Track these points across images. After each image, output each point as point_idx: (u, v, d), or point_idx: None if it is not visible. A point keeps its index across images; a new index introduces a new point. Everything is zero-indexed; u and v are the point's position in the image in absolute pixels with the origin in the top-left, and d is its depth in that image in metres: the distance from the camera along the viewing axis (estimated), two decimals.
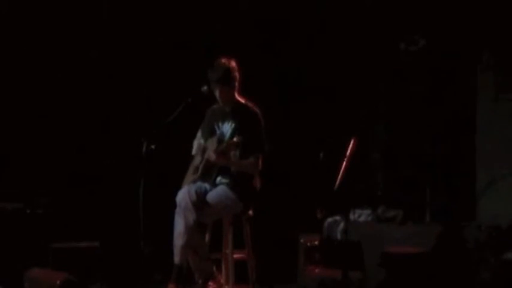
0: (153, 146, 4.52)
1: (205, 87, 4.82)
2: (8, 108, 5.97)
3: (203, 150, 4.89)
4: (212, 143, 4.78)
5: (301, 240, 5.87)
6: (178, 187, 4.84)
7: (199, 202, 4.65)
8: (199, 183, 4.79)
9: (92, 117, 6.18)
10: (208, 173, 4.82)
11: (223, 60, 4.83)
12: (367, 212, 6.22)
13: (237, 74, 4.85)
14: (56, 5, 6.06)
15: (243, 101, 4.90)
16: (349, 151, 4.68)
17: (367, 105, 6.85)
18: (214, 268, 4.79)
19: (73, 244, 5.45)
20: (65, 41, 6.10)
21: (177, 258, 4.68)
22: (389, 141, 6.82)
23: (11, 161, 5.91)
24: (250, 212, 4.89)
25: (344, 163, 4.65)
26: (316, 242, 5.84)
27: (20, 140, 5.96)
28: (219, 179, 4.85)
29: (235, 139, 4.65)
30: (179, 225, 4.65)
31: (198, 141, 5.04)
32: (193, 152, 5.03)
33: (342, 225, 5.87)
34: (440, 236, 5.60)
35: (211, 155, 4.70)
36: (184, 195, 4.67)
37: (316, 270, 5.61)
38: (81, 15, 6.13)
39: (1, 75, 5.97)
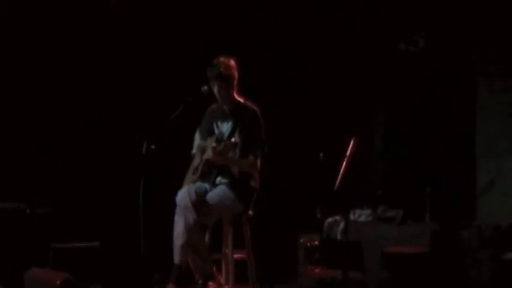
0: (153, 146, 4.51)
1: (205, 87, 4.82)
2: (8, 109, 5.97)
3: (202, 150, 4.89)
4: (211, 143, 4.77)
5: (301, 240, 5.88)
6: (178, 187, 4.84)
7: (199, 202, 4.64)
8: (199, 184, 4.79)
9: (92, 117, 6.18)
10: (207, 173, 4.81)
11: (222, 58, 4.83)
12: (367, 212, 6.22)
13: (235, 73, 4.85)
14: (56, 3, 6.06)
15: (241, 100, 4.90)
16: (349, 151, 4.68)
17: (367, 106, 6.85)
18: (214, 268, 4.78)
19: (73, 244, 5.45)
20: (66, 41, 6.10)
21: (177, 258, 4.68)
22: (389, 141, 6.83)
23: (11, 161, 5.91)
24: (250, 212, 4.88)
25: (344, 163, 4.65)
26: (316, 242, 5.84)
27: (20, 140, 5.96)
28: (218, 179, 4.84)
29: (233, 139, 4.64)
30: (179, 225, 4.65)
31: (197, 142, 5.03)
32: (193, 151, 5.02)
33: (342, 225, 5.88)
34: (440, 236, 5.60)
35: (209, 154, 4.69)
36: (184, 195, 4.67)
37: (316, 270, 5.62)
38: (82, 14, 6.13)
39: (1, 74, 5.97)
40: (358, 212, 6.23)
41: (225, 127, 4.88)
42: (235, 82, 4.87)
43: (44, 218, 5.57)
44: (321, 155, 5.47)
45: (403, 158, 6.61)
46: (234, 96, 4.89)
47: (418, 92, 6.52)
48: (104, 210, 6.03)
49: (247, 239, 4.87)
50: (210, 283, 4.72)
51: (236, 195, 4.76)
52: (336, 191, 4.62)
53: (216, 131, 4.91)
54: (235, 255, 4.79)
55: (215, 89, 4.81)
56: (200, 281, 4.72)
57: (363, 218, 6.20)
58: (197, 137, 5.04)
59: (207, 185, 4.81)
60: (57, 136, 6.07)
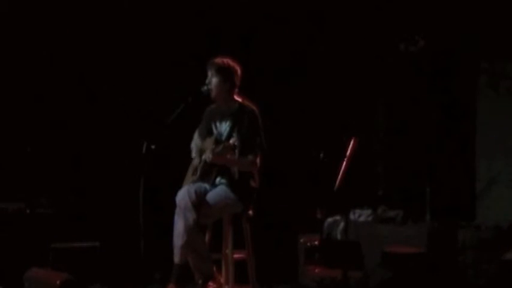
0: (153, 146, 4.51)
1: (205, 87, 4.82)
2: (8, 108, 5.97)
3: (201, 150, 4.89)
4: (210, 144, 4.77)
5: (301, 240, 5.87)
6: (178, 187, 4.84)
7: (199, 202, 4.64)
8: (199, 184, 4.79)
9: (92, 117, 6.18)
10: (207, 173, 4.81)
11: (229, 59, 4.84)
12: (367, 212, 6.22)
13: (236, 77, 4.84)
14: (56, 4, 6.07)
15: (240, 99, 4.90)
16: (349, 151, 4.68)
17: (367, 105, 6.85)
18: (214, 268, 4.78)
19: (73, 244, 5.45)
20: (66, 41, 6.10)
21: (177, 258, 4.68)
22: (389, 141, 6.83)
23: (11, 161, 5.91)
24: (250, 212, 4.88)
25: (344, 163, 4.65)
26: (316, 242, 5.84)
27: (20, 140, 5.96)
28: (218, 179, 4.84)
29: (231, 141, 4.64)
30: (179, 225, 4.65)
31: (195, 143, 5.02)
32: (193, 154, 5.01)
33: (342, 225, 5.88)
34: (438, 236, 5.60)
35: (208, 156, 4.70)
36: (184, 196, 4.66)
37: (316, 270, 5.62)
38: (82, 14, 6.13)
39: (2, 74, 5.97)
40: (358, 212, 6.23)
41: (224, 127, 4.88)
42: (234, 86, 4.84)
43: (44, 218, 5.57)
44: (321, 155, 5.46)
45: (404, 158, 6.62)
46: (232, 96, 4.89)
47: (418, 91, 6.51)
48: (104, 210, 6.04)
49: (247, 239, 4.87)
50: (210, 283, 4.72)
51: (236, 195, 4.77)
52: (336, 191, 4.62)
53: (215, 130, 4.91)
54: (235, 255, 4.79)
55: (212, 83, 4.79)
56: (200, 281, 4.72)
57: (363, 218, 6.19)
58: (196, 137, 5.04)
59: (207, 185, 4.81)
60: (58, 136, 6.07)
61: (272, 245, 6.02)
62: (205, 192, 4.75)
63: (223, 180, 4.83)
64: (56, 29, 6.06)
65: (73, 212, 5.90)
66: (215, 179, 4.84)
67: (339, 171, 4.64)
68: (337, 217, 6.06)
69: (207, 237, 4.86)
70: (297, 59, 6.67)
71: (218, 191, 4.78)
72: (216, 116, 4.94)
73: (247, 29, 6.51)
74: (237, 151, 4.69)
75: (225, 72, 4.80)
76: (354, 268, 5.23)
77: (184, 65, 6.17)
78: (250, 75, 5.01)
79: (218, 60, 4.83)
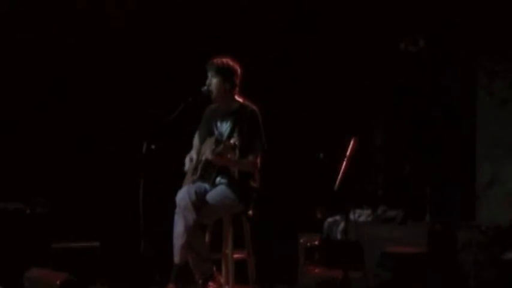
0: (153, 146, 4.51)
1: (205, 87, 4.82)
2: (7, 108, 5.97)
3: (201, 150, 4.89)
4: (210, 143, 4.78)
5: (301, 240, 5.88)
6: (178, 187, 4.84)
7: (199, 202, 4.65)
8: (199, 184, 4.79)
9: (92, 117, 6.18)
10: (207, 173, 4.81)
11: (229, 59, 4.84)
12: (367, 212, 6.23)
13: (237, 78, 4.85)
14: (56, 3, 6.07)
15: (241, 100, 4.90)
16: (349, 151, 4.69)
17: (367, 105, 6.86)
18: (214, 268, 4.78)
19: (73, 244, 5.45)
20: (66, 39, 6.10)
21: (177, 258, 4.68)
22: (389, 141, 6.83)
23: (11, 161, 5.91)
24: (250, 212, 4.88)
25: (344, 163, 4.66)
26: (316, 242, 5.84)
27: (20, 140, 5.96)
28: (218, 179, 4.84)
29: (232, 141, 4.64)
30: (179, 225, 4.65)
31: (196, 142, 5.02)
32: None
33: (342, 225, 5.88)
34: (438, 236, 5.60)
35: (208, 155, 4.70)
36: (184, 195, 4.67)
37: (316, 270, 5.62)
38: (83, 14, 6.13)
39: (1, 74, 5.97)
40: (358, 212, 6.24)
41: (224, 127, 4.89)
42: (234, 86, 4.84)
43: (44, 218, 5.57)
44: (321, 155, 5.47)
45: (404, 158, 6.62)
46: (233, 96, 4.89)
47: (418, 91, 6.52)
48: (104, 210, 6.04)
49: (247, 239, 4.87)
50: (210, 283, 4.72)
51: (236, 195, 4.77)
52: (336, 191, 4.62)
53: (216, 131, 4.91)
54: (235, 255, 4.79)
55: (212, 84, 4.80)
56: (200, 281, 4.72)
57: (363, 218, 6.20)
58: (197, 137, 5.04)
59: (207, 185, 4.81)
60: (57, 136, 6.07)
61: (272, 245, 6.02)
62: (205, 192, 4.75)
63: (223, 180, 4.83)
64: (54, 28, 6.06)
65: (73, 212, 5.90)
66: (215, 179, 4.84)
67: (339, 171, 4.64)
68: (337, 217, 6.07)
69: (207, 237, 4.87)
70: (297, 59, 6.67)
71: (218, 191, 4.78)
72: (216, 116, 4.94)
73: (248, 29, 6.51)
74: (237, 151, 4.69)
75: (225, 73, 4.81)
76: (354, 268, 5.23)
77: (185, 65, 6.17)
78: (251, 76, 5.01)
79: (218, 60, 4.84)
